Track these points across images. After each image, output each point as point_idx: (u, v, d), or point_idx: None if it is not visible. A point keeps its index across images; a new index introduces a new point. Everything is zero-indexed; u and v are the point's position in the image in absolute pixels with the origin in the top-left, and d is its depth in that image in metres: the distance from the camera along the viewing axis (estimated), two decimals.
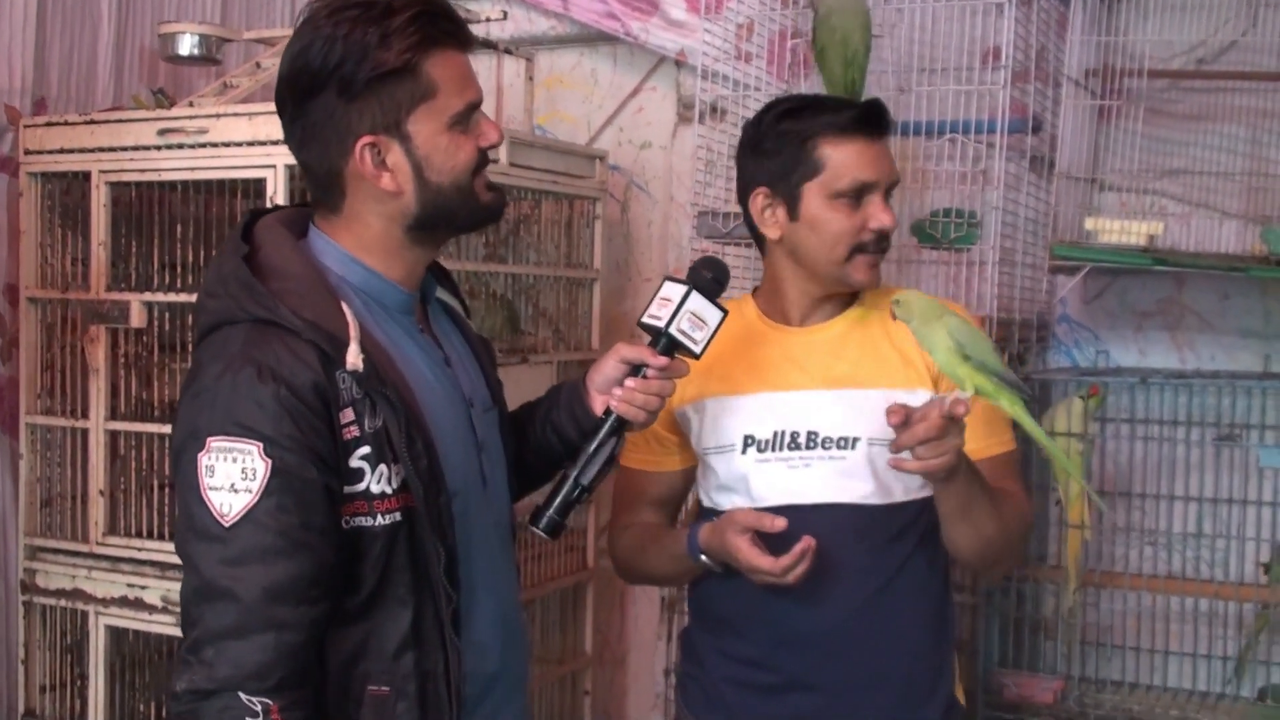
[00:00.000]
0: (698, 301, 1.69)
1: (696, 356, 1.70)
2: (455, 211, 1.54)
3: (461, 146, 1.51)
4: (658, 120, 3.20)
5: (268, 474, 1.37)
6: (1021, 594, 2.61)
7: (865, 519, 1.86)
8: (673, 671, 2.12)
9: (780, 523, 1.74)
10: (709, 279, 1.72)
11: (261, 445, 1.38)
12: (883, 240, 1.88)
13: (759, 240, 1.95)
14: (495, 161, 2.60)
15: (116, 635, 2.57)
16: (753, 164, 1.90)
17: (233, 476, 1.37)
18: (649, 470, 1.99)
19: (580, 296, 3.01)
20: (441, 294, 1.69)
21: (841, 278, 1.88)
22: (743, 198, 1.94)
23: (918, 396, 1.88)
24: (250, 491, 1.37)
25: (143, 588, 2.49)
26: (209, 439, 1.39)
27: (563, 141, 3.09)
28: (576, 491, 1.65)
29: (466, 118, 1.52)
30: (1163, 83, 2.72)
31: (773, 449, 1.88)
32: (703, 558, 1.84)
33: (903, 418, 1.66)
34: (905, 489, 1.89)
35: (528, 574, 2.82)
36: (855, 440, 1.86)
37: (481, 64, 3.19)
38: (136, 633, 2.58)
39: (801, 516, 1.80)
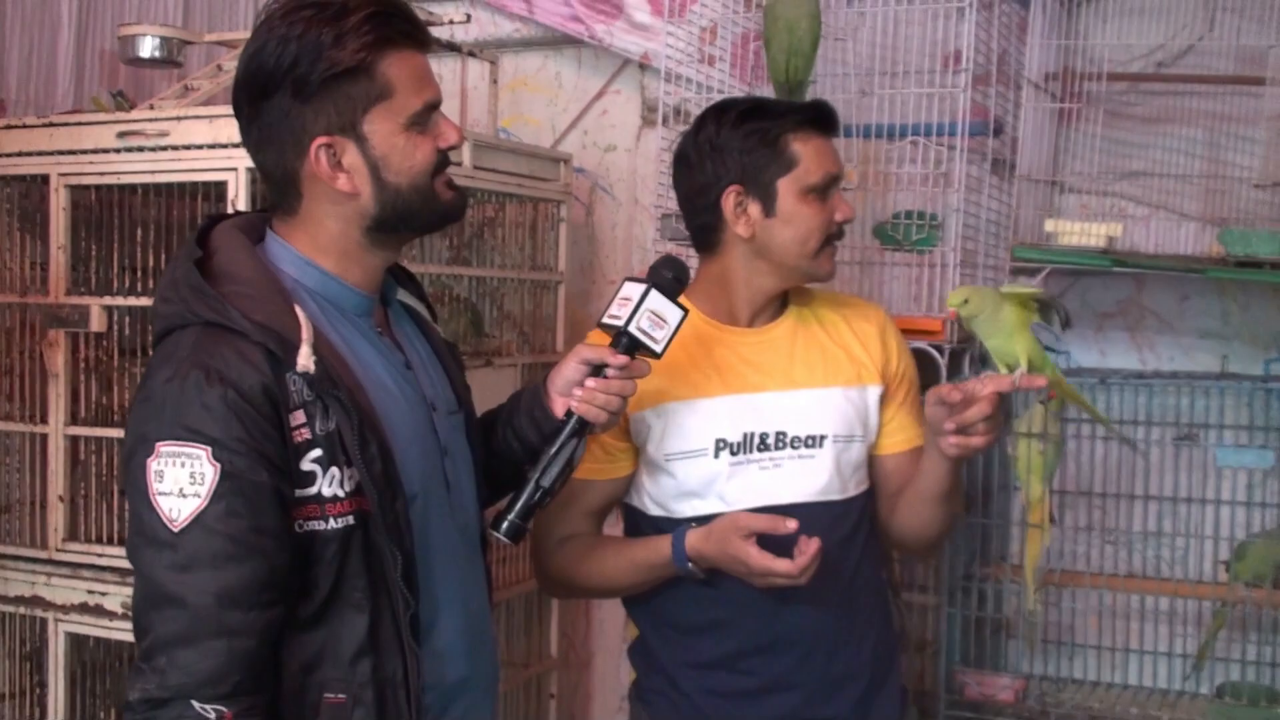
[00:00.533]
0: (657, 300, 1.69)
1: (658, 355, 1.70)
2: (415, 212, 1.52)
3: (419, 147, 1.50)
4: (622, 123, 3.20)
5: (216, 478, 1.36)
6: (983, 593, 2.62)
7: (833, 515, 1.91)
8: (630, 684, 2.09)
9: (793, 524, 1.74)
10: (669, 278, 1.72)
11: (210, 449, 1.36)
12: (842, 232, 1.96)
13: (709, 240, 1.96)
14: (459, 164, 2.60)
15: (76, 642, 2.55)
16: (716, 165, 1.91)
17: (181, 481, 1.36)
18: (595, 479, 1.94)
19: (545, 299, 3.00)
20: (405, 297, 1.68)
21: (810, 270, 1.94)
22: (700, 200, 1.94)
23: (870, 392, 1.97)
24: (199, 496, 1.36)
25: (103, 594, 2.47)
26: (157, 444, 1.38)
27: (527, 144, 3.09)
28: (538, 495, 1.63)
29: (425, 118, 1.51)
30: (1122, 86, 2.74)
31: (745, 451, 1.89)
32: (689, 565, 1.82)
33: (961, 396, 1.74)
34: (856, 483, 1.95)
35: (492, 577, 2.81)
36: (822, 438, 1.91)
37: (445, 67, 3.19)
38: (97, 639, 2.56)
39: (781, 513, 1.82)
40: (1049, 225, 2.57)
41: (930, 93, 2.53)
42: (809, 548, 1.72)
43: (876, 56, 2.61)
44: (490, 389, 2.47)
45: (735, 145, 1.90)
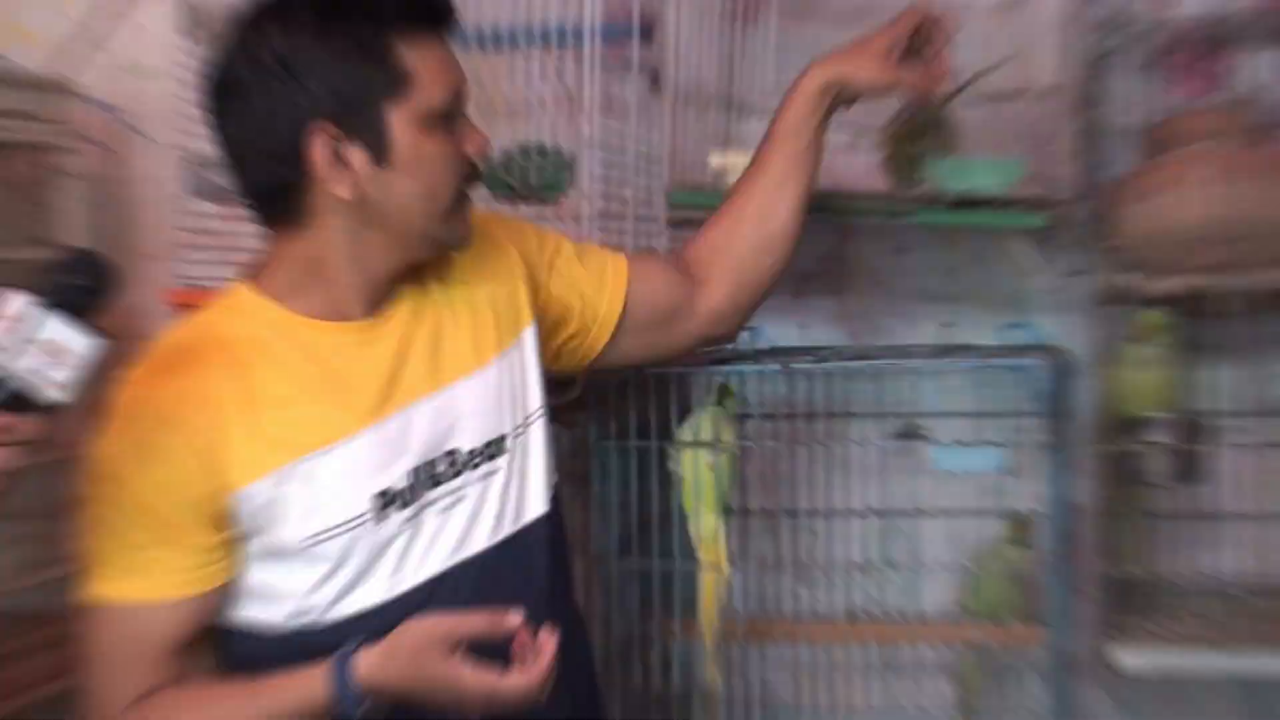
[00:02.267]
0: (56, 326, 1.23)
1: (58, 409, 1.24)
2: None
3: None
4: (156, 37, 2.38)
5: None
6: (648, 662, 2.04)
7: (549, 532, 1.56)
8: None
9: (516, 617, 1.36)
10: (77, 288, 1.26)
11: None
12: (479, 172, 1.50)
13: (289, 208, 1.42)
14: None
15: None
16: (290, 92, 1.36)
17: None
18: (180, 598, 1.39)
19: None
20: None
21: (444, 237, 1.47)
22: (264, 147, 1.39)
23: (526, 338, 1.59)
24: None
25: None
26: None
27: (10, 67, 2.30)
28: None
29: None
30: None
31: (415, 497, 1.45)
32: (363, 706, 1.35)
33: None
34: (550, 470, 1.59)
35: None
36: (501, 439, 1.53)
37: None
38: None
39: (481, 568, 1.48)
40: (716, 159, 2.05)
41: None
42: (545, 645, 1.35)
43: None
44: None
45: (318, 61, 1.36)
